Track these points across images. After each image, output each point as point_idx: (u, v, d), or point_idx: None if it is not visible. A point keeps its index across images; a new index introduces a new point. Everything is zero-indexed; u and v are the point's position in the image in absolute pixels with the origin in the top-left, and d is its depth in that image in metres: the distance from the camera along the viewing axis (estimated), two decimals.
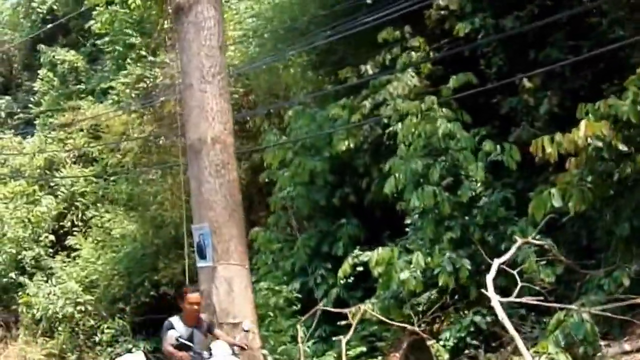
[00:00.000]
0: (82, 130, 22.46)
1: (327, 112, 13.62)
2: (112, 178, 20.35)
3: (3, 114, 26.18)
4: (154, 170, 17.59)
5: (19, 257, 20.53)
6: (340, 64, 14.07)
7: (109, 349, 18.00)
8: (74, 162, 22.56)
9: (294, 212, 13.70)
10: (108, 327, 18.20)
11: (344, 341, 10.53)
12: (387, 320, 10.79)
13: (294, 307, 12.31)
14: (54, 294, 18.67)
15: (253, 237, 14.07)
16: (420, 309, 11.06)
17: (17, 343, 20.28)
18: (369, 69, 13.19)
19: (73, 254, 20.36)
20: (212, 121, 10.46)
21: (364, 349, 11.31)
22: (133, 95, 17.49)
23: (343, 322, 11.23)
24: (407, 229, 12.08)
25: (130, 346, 17.73)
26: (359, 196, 13.34)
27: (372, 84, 13.02)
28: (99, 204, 20.84)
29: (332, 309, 11.06)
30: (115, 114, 18.01)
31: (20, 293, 20.20)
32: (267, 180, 14.61)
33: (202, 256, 10.32)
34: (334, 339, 11.39)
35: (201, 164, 10.41)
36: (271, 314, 11.69)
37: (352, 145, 12.74)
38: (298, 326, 10.67)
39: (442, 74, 12.65)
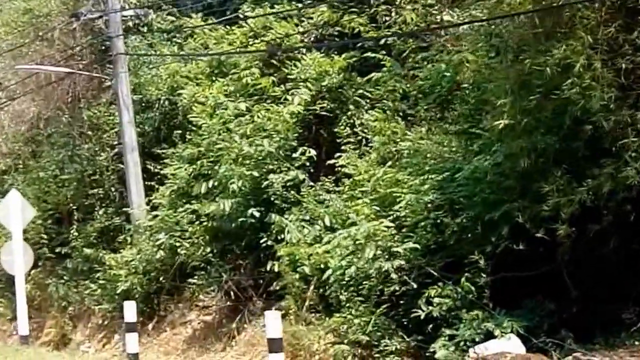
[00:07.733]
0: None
1: None
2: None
3: None
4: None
5: (264, 183, 13.08)
6: None
7: (447, 331, 10.44)
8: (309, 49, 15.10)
9: None
10: (437, 295, 10.68)
11: None
12: None
13: None
14: (351, 239, 11.15)
15: None
16: None
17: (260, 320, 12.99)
18: None
19: (343, 179, 13.01)
20: None
21: None
22: None
23: None
24: None
25: (489, 325, 10.12)
26: None
27: None
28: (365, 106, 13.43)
29: None
30: None
31: (264, 239, 12.94)
32: None
33: None
34: None
35: None
36: None
37: None
38: None
39: None
